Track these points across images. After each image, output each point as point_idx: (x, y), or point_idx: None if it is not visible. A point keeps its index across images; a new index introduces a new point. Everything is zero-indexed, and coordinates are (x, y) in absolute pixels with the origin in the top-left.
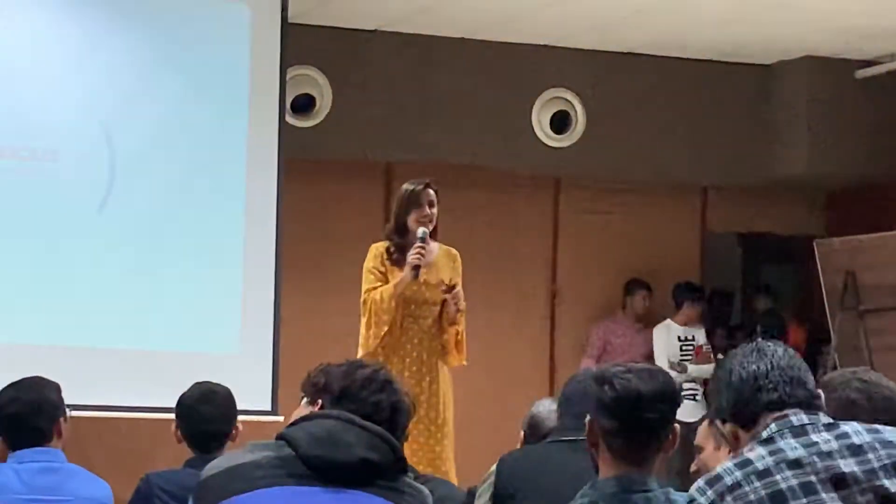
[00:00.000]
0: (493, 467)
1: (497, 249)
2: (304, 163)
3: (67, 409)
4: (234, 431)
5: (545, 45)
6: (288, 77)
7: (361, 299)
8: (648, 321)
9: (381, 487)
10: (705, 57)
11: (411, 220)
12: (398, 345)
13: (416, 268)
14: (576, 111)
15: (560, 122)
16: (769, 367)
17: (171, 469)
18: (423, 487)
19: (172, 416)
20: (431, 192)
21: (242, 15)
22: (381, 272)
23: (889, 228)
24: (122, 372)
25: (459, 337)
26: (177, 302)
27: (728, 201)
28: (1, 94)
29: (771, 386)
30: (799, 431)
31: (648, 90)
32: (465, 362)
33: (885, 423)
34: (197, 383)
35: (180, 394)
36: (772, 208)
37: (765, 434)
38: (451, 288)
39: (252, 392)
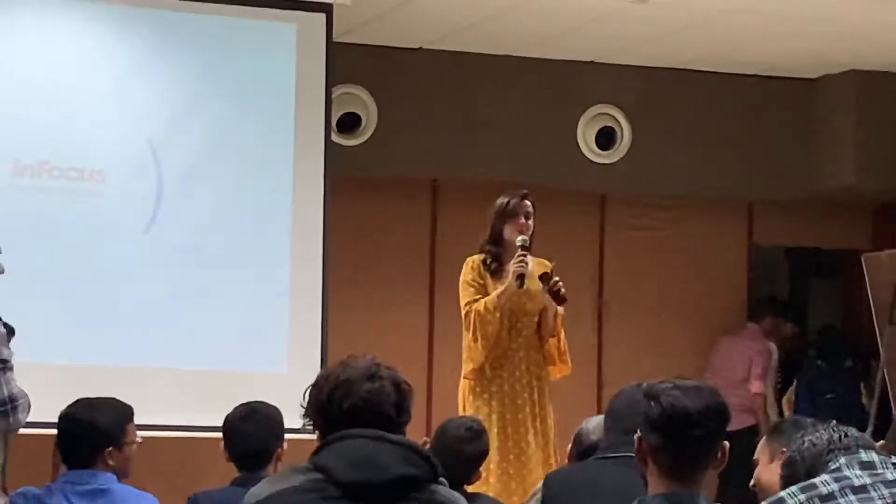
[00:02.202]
0: (540, 485)
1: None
2: (349, 181)
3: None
4: (280, 450)
5: (590, 62)
6: (333, 96)
7: (463, 313)
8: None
9: (415, 500)
10: (750, 72)
11: (508, 230)
12: (505, 358)
13: (521, 276)
14: (621, 127)
15: (606, 139)
16: (843, 433)
17: (217, 488)
18: (456, 494)
19: (222, 434)
20: (528, 203)
21: (288, 34)
22: (480, 284)
23: None
24: (171, 392)
25: (562, 347)
26: (224, 321)
27: (775, 216)
28: (48, 115)
29: (845, 443)
30: (867, 465)
31: (694, 106)
32: (569, 371)
33: None
34: (243, 403)
35: (226, 413)
36: (818, 222)
37: (832, 466)
38: (549, 278)
39: (300, 411)
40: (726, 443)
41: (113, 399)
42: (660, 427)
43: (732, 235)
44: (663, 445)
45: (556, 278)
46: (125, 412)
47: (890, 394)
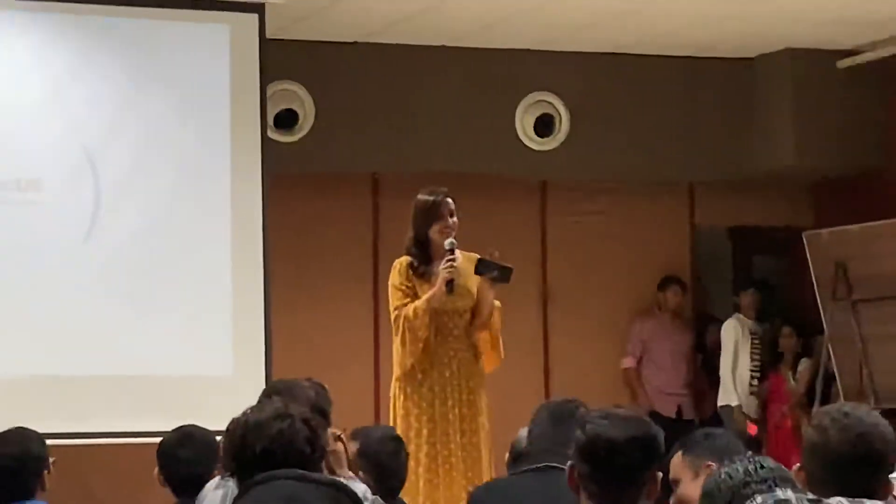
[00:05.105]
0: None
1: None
2: (289, 178)
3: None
4: (214, 474)
5: (526, 50)
6: (269, 93)
7: (392, 317)
8: (684, 316)
9: None
10: (686, 53)
11: (434, 231)
12: (436, 359)
13: (451, 282)
14: (559, 113)
15: (544, 126)
16: (759, 465)
17: None
18: None
19: (157, 459)
20: (450, 201)
21: (221, 34)
22: (408, 287)
23: (877, 218)
24: (118, 398)
25: (494, 338)
26: (168, 325)
27: (716, 196)
28: None
29: (762, 476)
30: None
31: (631, 89)
32: (500, 362)
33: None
34: (177, 427)
35: (175, 417)
36: (760, 201)
37: None
38: (490, 261)
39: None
40: (659, 473)
41: (20, 427)
42: (586, 455)
43: (674, 217)
44: (590, 473)
45: (496, 253)
46: (39, 435)
47: (835, 370)
